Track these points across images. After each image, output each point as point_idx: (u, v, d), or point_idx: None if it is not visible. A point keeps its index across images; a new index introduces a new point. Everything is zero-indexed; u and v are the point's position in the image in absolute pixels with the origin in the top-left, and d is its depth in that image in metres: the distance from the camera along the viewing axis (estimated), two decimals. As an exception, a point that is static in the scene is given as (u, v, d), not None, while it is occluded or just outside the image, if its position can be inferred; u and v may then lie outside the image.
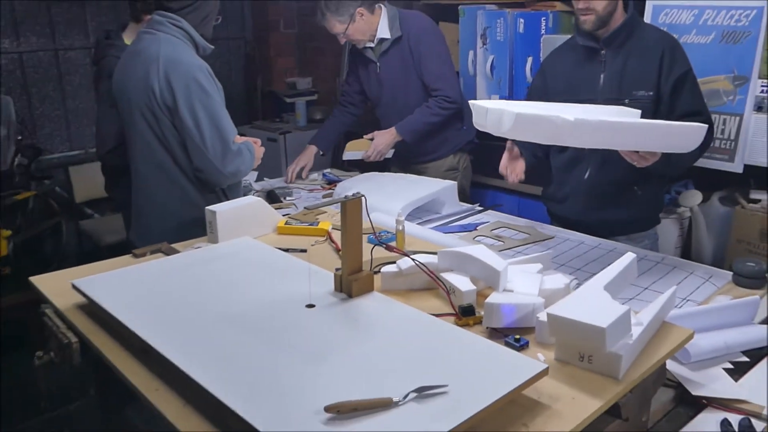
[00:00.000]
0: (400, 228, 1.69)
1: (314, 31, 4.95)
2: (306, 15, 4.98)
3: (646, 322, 1.17)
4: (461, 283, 1.33)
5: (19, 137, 3.75)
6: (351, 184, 2.57)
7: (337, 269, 1.29)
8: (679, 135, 1.66)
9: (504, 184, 3.19)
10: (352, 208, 1.21)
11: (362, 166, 2.91)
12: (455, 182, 2.47)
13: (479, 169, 3.09)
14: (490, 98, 3.08)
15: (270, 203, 2.51)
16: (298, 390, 0.93)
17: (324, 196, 2.73)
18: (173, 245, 1.73)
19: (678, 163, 1.87)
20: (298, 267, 1.41)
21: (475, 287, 1.32)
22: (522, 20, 2.91)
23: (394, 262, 1.44)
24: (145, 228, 2.10)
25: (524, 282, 1.32)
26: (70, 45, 4.14)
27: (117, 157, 2.42)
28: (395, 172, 2.82)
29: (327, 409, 0.84)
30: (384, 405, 0.86)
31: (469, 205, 2.50)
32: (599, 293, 1.16)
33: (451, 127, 2.79)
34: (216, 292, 1.29)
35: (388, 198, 2.30)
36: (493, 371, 0.99)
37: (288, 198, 2.65)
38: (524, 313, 1.22)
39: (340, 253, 1.64)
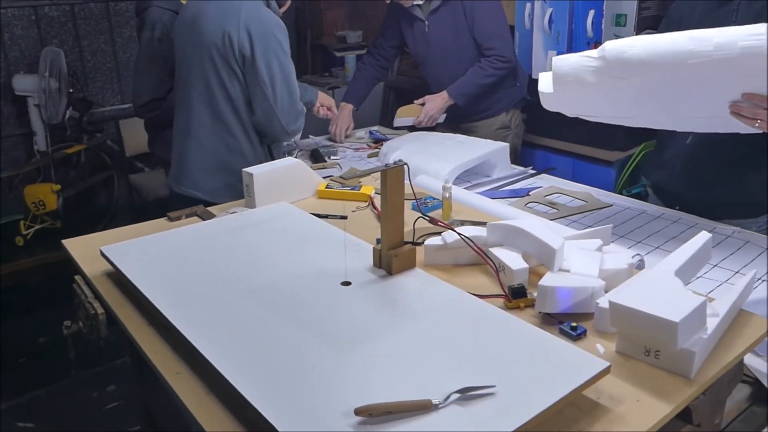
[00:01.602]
0: (447, 195, 1.57)
1: (366, -18, 4.78)
2: (357, -35, 4.79)
3: (722, 312, 1.03)
4: (512, 260, 1.22)
5: (71, 90, 3.74)
6: (398, 144, 2.45)
7: (377, 241, 1.19)
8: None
9: (558, 144, 3.03)
10: (393, 177, 1.10)
11: (412, 130, 2.78)
12: (507, 144, 2.31)
13: (531, 128, 2.92)
14: (547, 54, 2.88)
15: (314, 162, 2.44)
16: (326, 385, 0.84)
17: (369, 156, 2.62)
18: (210, 208, 1.66)
19: None
20: (337, 237, 1.32)
21: (527, 265, 1.21)
22: (586, -32, 2.68)
23: (440, 233, 1.33)
24: (186, 171, 2.08)
25: (583, 261, 1.19)
26: (122, -4, 4.09)
27: (151, 111, 2.38)
28: (443, 131, 2.68)
29: (357, 411, 0.75)
30: (422, 408, 0.77)
31: (522, 168, 2.35)
32: (670, 279, 1.03)
33: (504, 84, 2.63)
34: (247, 263, 1.21)
35: (436, 160, 2.18)
36: (547, 368, 0.88)
37: (333, 157, 2.55)
38: (582, 297, 1.10)
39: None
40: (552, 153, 3.02)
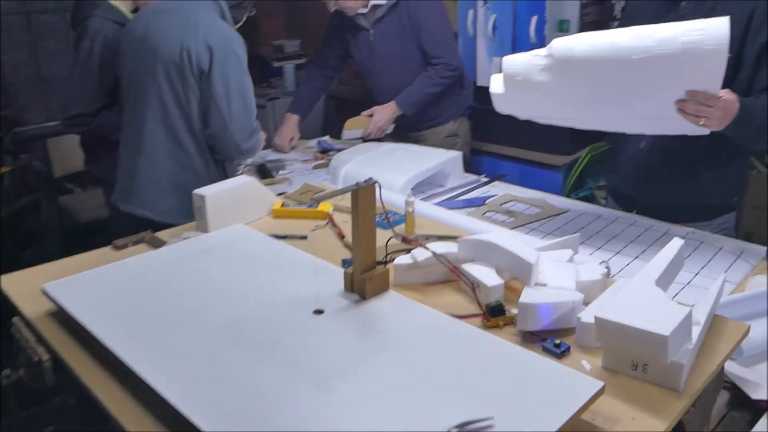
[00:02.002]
0: (410, 210, 1.52)
1: (302, -9, 4.70)
2: (292, -27, 4.71)
3: (702, 320, 1.03)
4: (486, 276, 1.18)
5: (-9, 108, 3.51)
6: (347, 156, 2.39)
7: (344, 264, 1.13)
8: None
9: (505, 150, 3.04)
10: (364, 196, 1.05)
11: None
12: (461, 152, 2.30)
13: (478, 135, 2.92)
14: (491, 60, 2.89)
15: (262, 178, 2.35)
16: (306, 426, 0.77)
17: (316, 167, 2.55)
18: (159, 233, 1.56)
19: (753, 131, 1.51)
20: (301, 260, 1.25)
21: (502, 281, 1.17)
22: (527, -25, 2.70)
23: (408, 251, 1.28)
24: (135, 188, 1.97)
25: (557, 273, 1.16)
26: (44, 8, 3.87)
27: (79, 126, 2.27)
28: (391, 141, 2.64)
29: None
30: (422, 450, 0.71)
31: (475, 177, 2.33)
32: (652, 290, 1.01)
33: (452, 92, 2.62)
34: (206, 294, 1.12)
35: (389, 171, 2.13)
36: (542, 394, 0.84)
37: (281, 172, 2.46)
38: (563, 312, 1.07)
39: (345, 240, 1.50)
40: (499, 159, 3.03)
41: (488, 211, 1.97)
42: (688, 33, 1.28)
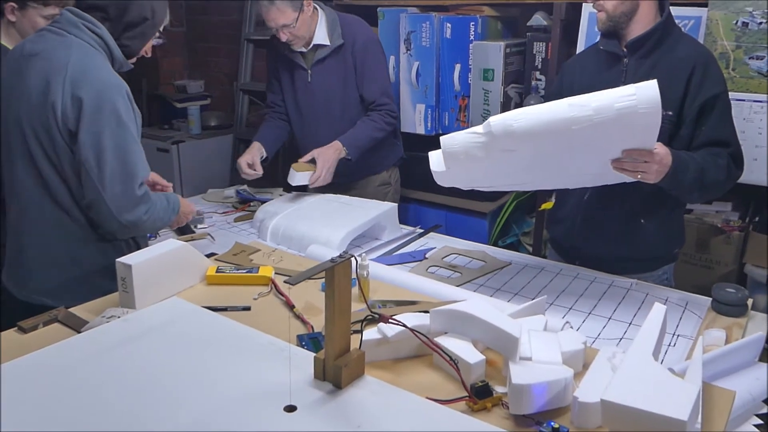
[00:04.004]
0: (365, 274, 1.41)
1: (206, 31, 4.52)
2: (197, 13, 4.53)
3: (697, 390, 0.98)
4: (465, 351, 1.08)
5: None
6: (274, 208, 2.25)
7: (301, 341, 0.99)
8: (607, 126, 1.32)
9: (430, 197, 3.00)
10: (340, 273, 0.92)
11: (304, 189, 2.45)
12: (395, 204, 2.21)
13: (403, 182, 2.84)
14: (415, 107, 2.86)
15: (180, 235, 2.15)
16: None
17: (237, 219, 2.38)
18: (73, 309, 1.34)
19: (687, 182, 1.57)
20: (255, 341, 1.10)
21: (483, 357, 1.08)
22: (449, 25, 2.71)
23: (373, 321, 1.16)
24: (26, 272, 1.67)
25: (539, 345, 1.08)
26: None
27: None
28: (314, 192, 2.47)
29: None
30: None
31: (410, 228, 2.26)
32: (651, 366, 0.95)
33: (388, 141, 2.53)
34: (153, 392, 0.94)
35: (324, 225, 2.02)
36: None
37: (200, 226, 2.27)
38: (556, 390, 0.99)
39: (295, 309, 1.35)
40: (425, 206, 2.99)
41: (432, 266, 1.89)
42: (621, 99, 1.32)
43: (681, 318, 1.59)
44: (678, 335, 1.51)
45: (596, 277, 1.81)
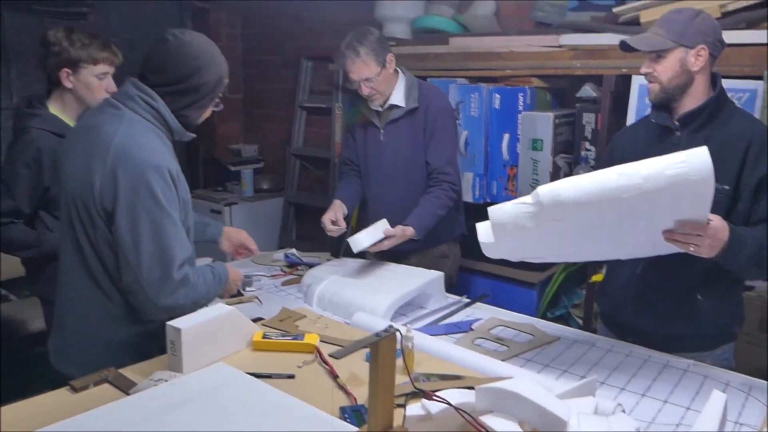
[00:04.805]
0: (410, 345, 1.40)
1: (262, 97, 4.71)
2: (254, 81, 4.74)
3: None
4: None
5: None
6: (321, 274, 2.26)
7: (344, 413, 0.98)
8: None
9: (477, 266, 2.96)
10: (385, 348, 0.92)
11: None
12: (442, 273, 2.19)
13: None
14: (464, 176, 2.88)
15: (228, 298, 2.18)
16: None
17: (285, 283, 2.41)
18: (122, 370, 1.37)
19: (744, 258, 1.51)
20: (300, 413, 1.09)
21: (530, 439, 1.05)
22: (498, 96, 2.75)
23: (417, 396, 1.14)
24: (63, 341, 1.66)
25: (589, 430, 1.05)
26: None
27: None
28: (372, 256, 2.46)
29: None
30: None
31: (455, 298, 2.23)
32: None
33: (451, 215, 2.48)
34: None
35: (370, 293, 2.01)
36: None
37: (248, 289, 2.30)
38: (609, 481, 0.95)
39: (339, 380, 1.35)
40: (471, 275, 2.96)
41: (478, 338, 1.86)
42: (672, 167, 1.30)
43: (744, 405, 1.50)
44: (741, 424, 1.43)
45: (650, 356, 1.74)
